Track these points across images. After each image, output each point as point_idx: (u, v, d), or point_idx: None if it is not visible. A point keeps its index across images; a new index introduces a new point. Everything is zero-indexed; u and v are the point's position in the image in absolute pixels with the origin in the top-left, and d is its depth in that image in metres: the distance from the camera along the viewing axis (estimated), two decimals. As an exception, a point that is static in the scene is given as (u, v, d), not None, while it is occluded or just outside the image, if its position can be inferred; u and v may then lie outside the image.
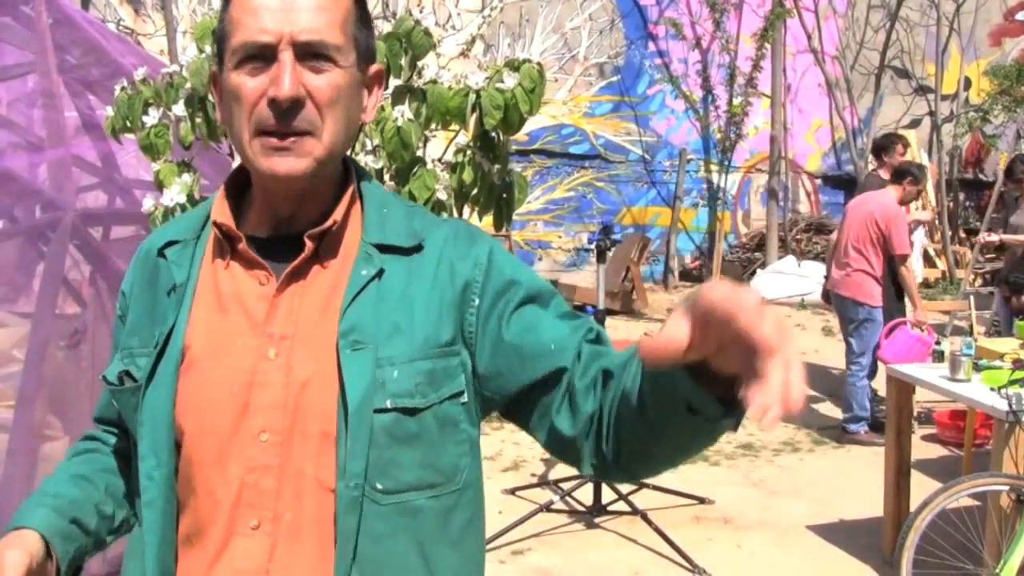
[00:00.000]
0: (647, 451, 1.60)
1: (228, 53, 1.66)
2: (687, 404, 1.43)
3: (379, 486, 1.61)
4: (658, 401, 1.49)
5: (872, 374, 8.39)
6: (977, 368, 5.78)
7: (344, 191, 1.75)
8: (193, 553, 1.65)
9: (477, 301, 1.72)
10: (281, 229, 1.72)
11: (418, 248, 1.73)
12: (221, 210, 1.73)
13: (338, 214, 1.71)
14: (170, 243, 1.76)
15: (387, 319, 1.66)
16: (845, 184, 16.15)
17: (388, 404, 1.62)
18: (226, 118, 1.71)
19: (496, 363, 1.71)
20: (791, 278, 13.57)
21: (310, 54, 1.63)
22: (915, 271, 10.57)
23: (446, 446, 1.70)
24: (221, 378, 1.64)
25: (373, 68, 1.77)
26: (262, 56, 1.62)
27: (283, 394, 1.63)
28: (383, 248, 1.71)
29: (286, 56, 1.61)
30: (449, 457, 1.70)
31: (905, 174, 8.53)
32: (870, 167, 9.62)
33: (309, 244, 1.68)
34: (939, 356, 6.24)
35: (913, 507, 5.31)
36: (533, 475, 7.44)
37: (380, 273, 1.69)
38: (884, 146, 9.59)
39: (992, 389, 5.39)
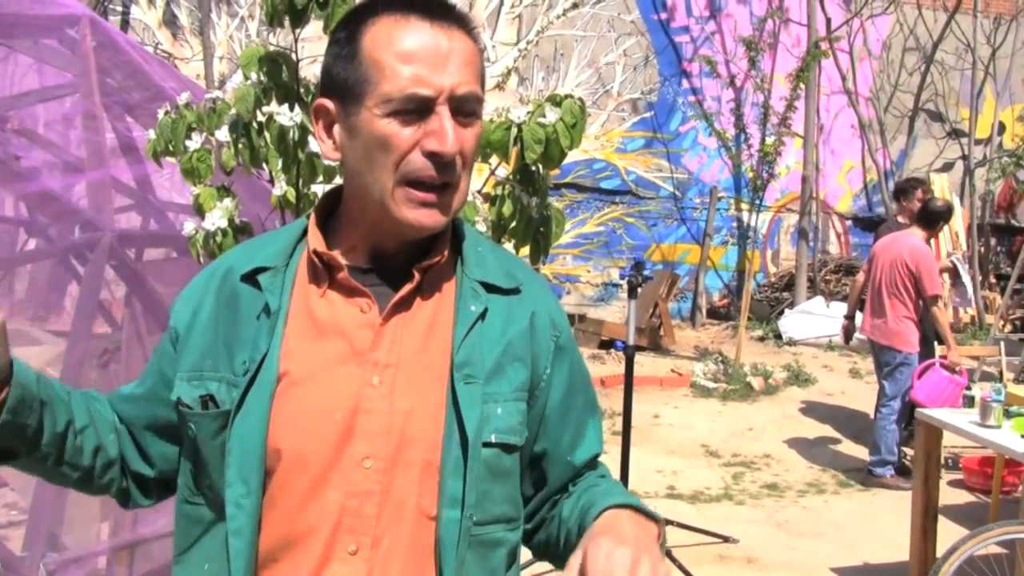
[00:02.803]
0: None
1: (374, 98, 1.65)
2: None
3: (475, 517, 1.66)
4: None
5: (903, 418, 8.33)
6: (1008, 415, 5.74)
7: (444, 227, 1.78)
8: (278, 574, 1.66)
9: (550, 370, 1.81)
10: (379, 260, 1.76)
11: (516, 291, 1.79)
12: (317, 239, 1.76)
13: (443, 249, 1.75)
14: (259, 270, 1.76)
15: (490, 356, 1.71)
16: (876, 226, 16.08)
17: (493, 439, 1.67)
18: (357, 160, 1.70)
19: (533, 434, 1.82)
20: (819, 319, 13.53)
21: (462, 108, 1.65)
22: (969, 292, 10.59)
23: (519, 484, 1.78)
24: (323, 404, 1.66)
25: None
26: (419, 108, 1.63)
27: (388, 421, 1.65)
28: (486, 287, 1.76)
29: (444, 110, 1.63)
30: (519, 494, 1.79)
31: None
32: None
33: (417, 276, 1.72)
34: (969, 401, 6.20)
35: (939, 553, 5.27)
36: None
37: (484, 311, 1.74)
38: (904, 190, 9.59)
39: (1023, 436, 5.36)
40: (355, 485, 1.64)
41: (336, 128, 1.73)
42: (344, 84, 1.69)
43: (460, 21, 1.70)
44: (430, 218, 1.67)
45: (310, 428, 1.65)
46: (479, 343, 1.71)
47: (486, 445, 1.67)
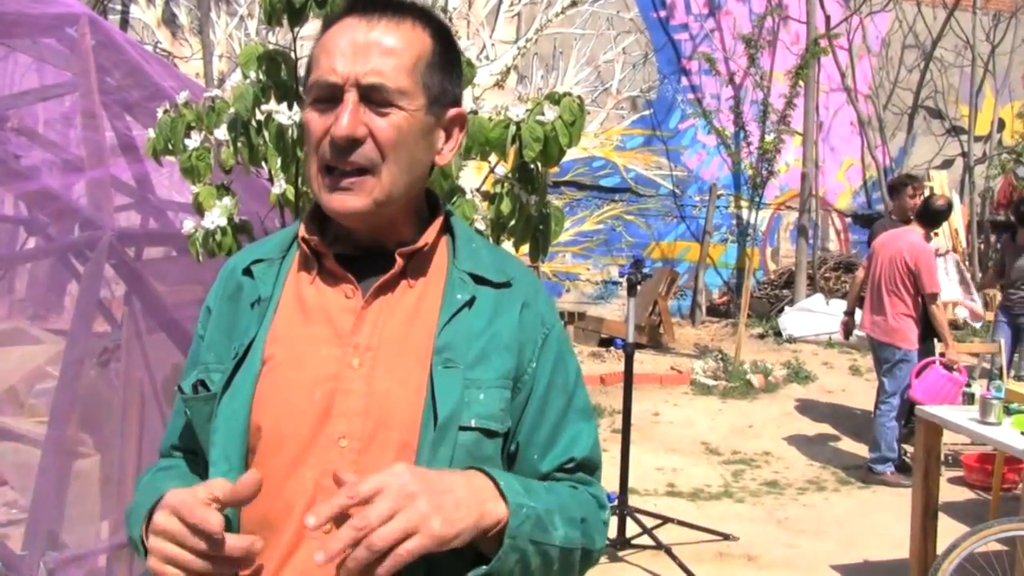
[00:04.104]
0: None
1: (307, 90, 1.75)
2: None
3: None
4: None
5: (903, 415, 8.33)
6: (1008, 412, 5.74)
7: (430, 219, 1.84)
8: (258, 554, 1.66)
9: (535, 364, 1.81)
10: (365, 248, 1.79)
11: (507, 285, 1.81)
12: (309, 228, 1.81)
13: (429, 237, 1.79)
14: (256, 261, 1.83)
15: (475, 345, 1.72)
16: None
17: (473, 423, 1.68)
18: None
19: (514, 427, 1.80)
20: (819, 316, 13.52)
21: (373, 96, 1.69)
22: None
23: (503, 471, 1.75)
24: (303, 383, 1.69)
25: (453, 111, 1.83)
26: (330, 96, 1.70)
27: (365, 402, 1.68)
28: (476, 278, 1.79)
29: (350, 96, 1.68)
30: None
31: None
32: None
33: (400, 261, 1.76)
34: (969, 398, 6.19)
35: (939, 550, 5.27)
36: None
37: (472, 300, 1.76)
38: (894, 187, 9.61)
39: (1023, 433, 5.36)
40: (330, 464, 1.65)
41: None
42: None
43: (396, 13, 1.75)
44: (341, 203, 1.71)
45: (289, 406, 1.69)
46: (463, 330, 1.73)
47: (466, 429, 1.68)
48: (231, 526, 1.67)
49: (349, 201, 1.71)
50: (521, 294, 1.82)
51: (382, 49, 1.70)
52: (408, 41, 1.73)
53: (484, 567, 1.59)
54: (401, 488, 1.50)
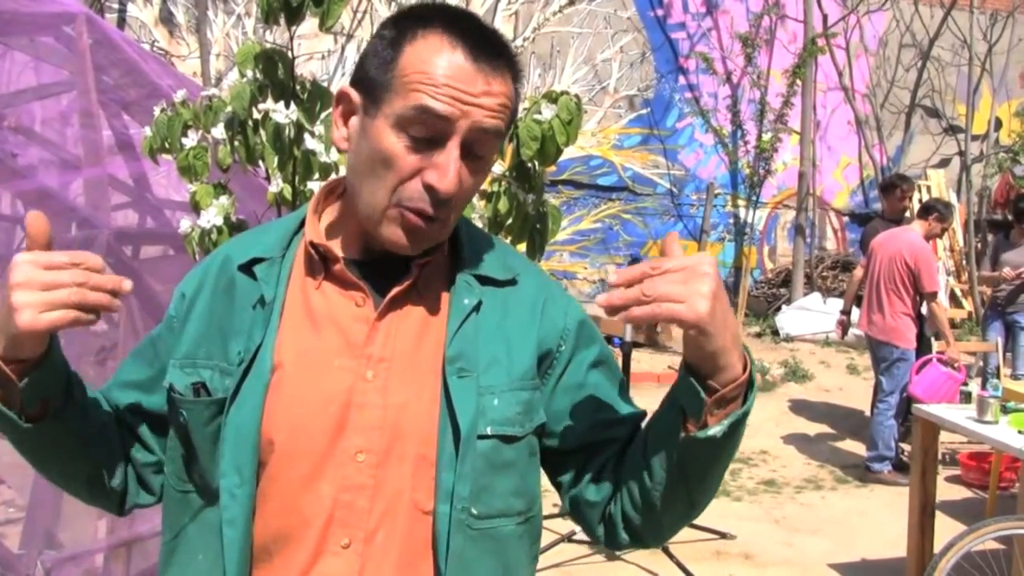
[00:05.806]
0: (648, 499, 1.69)
1: (389, 105, 1.62)
2: (678, 407, 1.59)
3: (474, 511, 1.64)
4: (655, 427, 1.68)
5: (900, 413, 8.33)
6: (1005, 410, 5.73)
7: None
8: (273, 569, 1.65)
9: (564, 346, 1.79)
10: (374, 252, 1.74)
11: (512, 282, 1.78)
12: (315, 230, 1.75)
13: (444, 245, 1.75)
14: (256, 260, 1.75)
15: (486, 349, 1.69)
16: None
17: (489, 431, 1.65)
18: (361, 161, 1.67)
19: (563, 406, 1.78)
20: (816, 315, 13.53)
21: (474, 147, 1.63)
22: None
23: (530, 475, 1.75)
24: (316, 397, 1.65)
25: None
26: (432, 134, 1.60)
27: (381, 415, 1.64)
28: (481, 279, 1.75)
29: (455, 144, 1.60)
30: (531, 486, 1.75)
31: (931, 210, 8.52)
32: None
33: (415, 271, 1.70)
34: (966, 397, 6.19)
35: (936, 548, 5.27)
36: (555, 504, 7.41)
37: (479, 304, 1.72)
38: (885, 188, 9.62)
39: (1020, 432, 5.36)
40: (348, 479, 1.63)
41: (354, 120, 1.70)
42: (372, 83, 1.65)
43: (505, 63, 1.67)
44: (404, 241, 1.65)
45: (303, 420, 1.64)
46: (473, 336, 1.69)
47: (482, 437, 1.65)
48: (244, 542, 1.64)
49: (414, 241, 1.65)
50: (531, 291, 1.79)
51: (498, 102, 1.63)
52: (511, 97, 1.67)
53: (742, 409, 1.57)
54: (697, 267, 1.49)
